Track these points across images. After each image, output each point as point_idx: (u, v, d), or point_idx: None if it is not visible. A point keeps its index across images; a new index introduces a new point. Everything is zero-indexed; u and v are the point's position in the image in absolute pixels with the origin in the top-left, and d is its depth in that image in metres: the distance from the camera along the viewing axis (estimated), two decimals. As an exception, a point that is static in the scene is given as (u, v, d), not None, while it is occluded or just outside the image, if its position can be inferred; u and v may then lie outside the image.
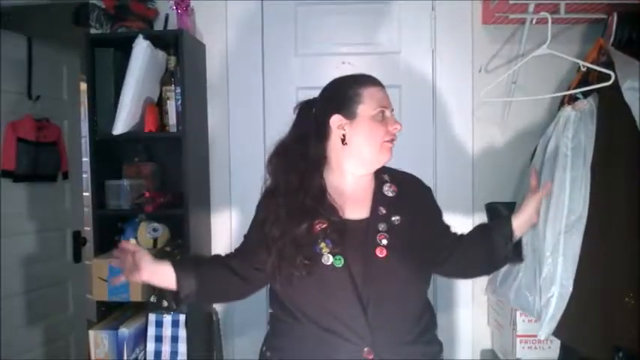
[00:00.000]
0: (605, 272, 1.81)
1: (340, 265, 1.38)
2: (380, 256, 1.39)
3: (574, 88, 2.04)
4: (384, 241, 1.41)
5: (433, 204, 1.62)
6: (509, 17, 2.18)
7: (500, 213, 2.20)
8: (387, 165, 1.55)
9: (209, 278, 1.53)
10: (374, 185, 1.52)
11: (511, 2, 2.05)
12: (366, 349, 1.36)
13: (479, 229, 1.65)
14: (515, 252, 1.55)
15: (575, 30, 2.35)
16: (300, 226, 1.41)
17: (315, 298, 1.41)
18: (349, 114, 1.46)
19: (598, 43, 2.04)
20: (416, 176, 1.64)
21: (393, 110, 1.51)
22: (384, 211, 1.46)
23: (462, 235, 1.63)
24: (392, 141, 1.48)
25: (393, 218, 1.45)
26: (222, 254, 1.61)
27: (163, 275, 1.49)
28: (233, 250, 1.61)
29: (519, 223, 1.54)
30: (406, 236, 1.44)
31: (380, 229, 1.43)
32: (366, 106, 1.46)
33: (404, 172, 1.61)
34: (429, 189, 1.63)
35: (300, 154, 1.49)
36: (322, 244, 1.40)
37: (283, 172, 1.49)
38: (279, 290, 1.47)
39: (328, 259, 1.39)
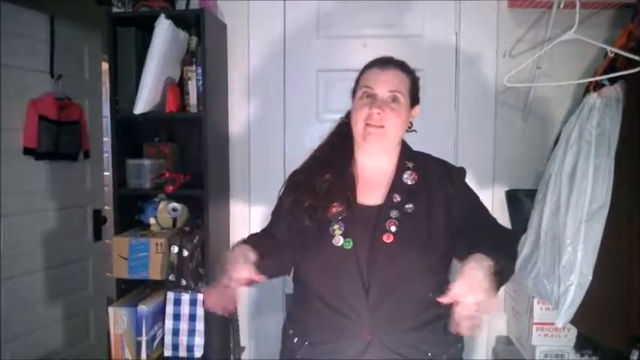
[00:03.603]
0: (625, 262, 1.79)
1: (349, 248, 1.41)
2: (386, 241, 1.40)
3: (600, 75, 2.00)
4: (393, 228, 1.41)
5: (463, 195, 1.54)
6: (535, 1, 2.14)
7: (521, 200, 2.19)
8: (424, 151, 1.57)
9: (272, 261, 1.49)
10: (395, 172, 1.52)
11: (539, -15, 2.02)
12: (364, 329, 1.39)
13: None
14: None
15: (603, 15, 2.29)
16: (318, 206, 1.45)
17: (324, 277, 1.45)
18: (353, 96, 1.53)
19: (627, 28, 1.98)
20: (451, 165, 1.58)
21: (395, 92, 1.45)
22: (398, 199, 1.46)
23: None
24: (375, 126, 1.44)
25: (407, 206, 1.44)
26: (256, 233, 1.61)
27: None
28: (260, 231, 1.62)
29: None
30: (418, 225, 1.43)
31: (391, 215, 1.43)
32: (358, 87, 1.50)
33: (435, 160, 1.58)
34: (461, 180, 1.56)
35: (339, 136, 1.56)
36: (335, 226, 1.43)
37: (318, 151, 1.57)
38: (295, 268, 1.55)
39: (339, 241, 1.42)
